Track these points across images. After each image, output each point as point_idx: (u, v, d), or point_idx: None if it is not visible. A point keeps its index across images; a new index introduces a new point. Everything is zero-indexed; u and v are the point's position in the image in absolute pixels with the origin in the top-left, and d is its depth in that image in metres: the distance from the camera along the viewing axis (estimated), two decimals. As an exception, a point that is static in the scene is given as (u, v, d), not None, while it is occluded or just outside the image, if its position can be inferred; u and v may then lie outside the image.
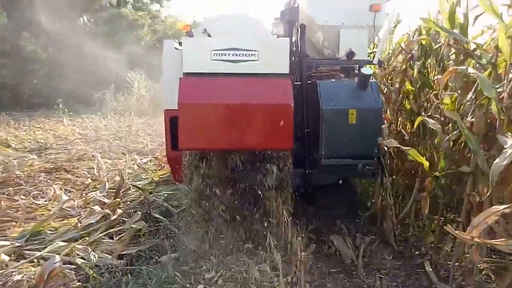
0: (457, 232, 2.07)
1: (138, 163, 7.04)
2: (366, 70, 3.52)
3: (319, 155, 3.49)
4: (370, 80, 3.56)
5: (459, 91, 3.20)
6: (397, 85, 4.63)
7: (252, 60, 3.22)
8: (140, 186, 5.34)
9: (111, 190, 5.09)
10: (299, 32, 3.96)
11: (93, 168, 6.54)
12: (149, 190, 5.24)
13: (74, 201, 4.69)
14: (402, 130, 4.91)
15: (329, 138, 3.43)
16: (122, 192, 4.99)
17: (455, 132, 2.88)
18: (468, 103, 2.91)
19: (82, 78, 16.74)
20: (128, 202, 4.83)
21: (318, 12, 3.94)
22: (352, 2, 3.91)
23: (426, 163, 2.97)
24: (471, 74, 2.69)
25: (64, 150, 8.53)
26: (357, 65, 4.06)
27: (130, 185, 5.27)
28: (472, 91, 2.85)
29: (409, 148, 3.06)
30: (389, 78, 5.35)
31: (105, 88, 17.13)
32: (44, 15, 16.41)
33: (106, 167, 6.68)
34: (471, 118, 2.79)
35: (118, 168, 6.59)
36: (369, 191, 5.17)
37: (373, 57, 4.13)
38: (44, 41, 17.40)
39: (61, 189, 5.42)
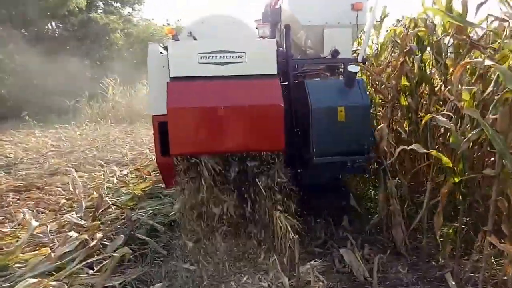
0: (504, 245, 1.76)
1: (118, 175, 6.52)
2: (353, 67, 3.51)
3: (311, 154, 3.45)
4: (357, 78, 3.55)
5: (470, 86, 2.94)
6: (393, 81, 4.38)
7: (240, 62, 3.19)
8: (121, 203, 4.87)
9: (89, 210, 4.59)
10: (283, 32, 3.91)
11: (68, 184, 5.98)
12: (132, 207, 4.79)
13: (46, 225, 4.16)
14: (398, 128, 4.66)
15: (320, 136, 3.42)
16: (101, 211, 4.52)
17: (475, 131, 2.59)
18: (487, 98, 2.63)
19: (53, 86, 15.87)
20: (109, 223, 4.34)
21: (301, 12, 3.94)
22: (334, 2, 3.94)
23: (451, 167, 2.66)
24: (491, 67, 2.42)
25: (35, 165, 7.89)
26: (341, 64, 4.04)
27: (110, 203, 4.78)
28: (492, 85, 2.57)
29: (432, 150, 2.77)
30: (381, 74, 5.10)
31: (79, 95, 16.32)
32: (10, 22, 15.52)
33: (82, 182, 6.13)
34: (492, 115, 2.52)
35: (96, 183, 6.06)
36: (369, 194, 4.89)
37: (358, 55, 4.06)
38: (11, 49, 16.49)
39: (32, 210, 4.88)
